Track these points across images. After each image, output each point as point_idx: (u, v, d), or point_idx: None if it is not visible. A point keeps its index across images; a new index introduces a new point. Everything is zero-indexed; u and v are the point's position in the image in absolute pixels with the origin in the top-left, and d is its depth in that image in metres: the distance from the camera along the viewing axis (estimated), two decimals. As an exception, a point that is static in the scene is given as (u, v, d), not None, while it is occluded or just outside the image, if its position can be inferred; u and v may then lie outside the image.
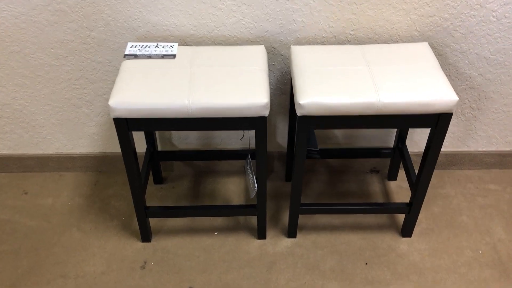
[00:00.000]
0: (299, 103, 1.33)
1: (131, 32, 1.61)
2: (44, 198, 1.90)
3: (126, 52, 1.49)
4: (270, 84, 1.73)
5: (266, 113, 1.35)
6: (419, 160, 1.97)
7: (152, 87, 1.36)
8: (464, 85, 1.75)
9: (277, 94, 1.77)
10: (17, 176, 1.99)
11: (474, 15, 1.57)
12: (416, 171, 1.94)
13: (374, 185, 1.95)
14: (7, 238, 1.75)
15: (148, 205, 1.82)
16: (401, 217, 1.81)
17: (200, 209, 1.68)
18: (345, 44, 1.64)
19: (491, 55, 1.67)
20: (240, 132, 1.88)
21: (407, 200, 1.88)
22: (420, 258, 1.67)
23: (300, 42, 1.64)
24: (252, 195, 1.56)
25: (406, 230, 1.73)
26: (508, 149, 1.96)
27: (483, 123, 1.87)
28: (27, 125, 1.86)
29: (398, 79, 1.38)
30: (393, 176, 1.96)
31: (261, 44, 1.62)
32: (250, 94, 1.34)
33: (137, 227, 1.77)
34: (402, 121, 1.38)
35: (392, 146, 1.93)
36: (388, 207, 1.69)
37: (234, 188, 1.94)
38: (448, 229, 1.77)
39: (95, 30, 1.60)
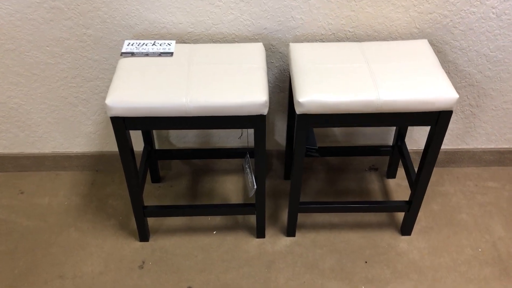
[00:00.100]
0: (298, 101, 1.32)
1: (128, 30, 1.59)
2: (41, 198, 1.88)
3: (123, 50, 1.47)
4: (269, 82, 1.72)
5: (265, 111, 1.33)
6: (418, 158, 1.97)
7: (150, 85, 1.34)
8: (463, 82, 1.74)
9: (276, 92, 1.76)
10: (13, 175, 1.98)
11: (473, 12, 1.56)
12: (416, 169, 1.94)
13: (373, 183, 1.94)
14: (3, 238, 1.73)
15: (145, 204, 1.81)
16: (400, 215, 1.80)
17: (198, 208, 1.66)
18: (344, 41, 1.63)
19: (491, 52, 1.66)
20: (238, 130, 1.87)
21: (406, 198, 1.87)
22: (420, 257, 1.67)
23: (298, 40, 1.62)
24: (251, 194, 1.55)
25: (406, 229, 1.72)
26: (507, 146, 1.95)
27: (482, 121, 1.86)
28: (23, 124, 1.84)
29: (397, 76, 1.37)
30: (392, 174, 1.95)
31: (259, 42, 1.61)
32: (249, 92, 1.33)
33: (135, 226, 1.76)
34: (402, 119, 1.37)
35: (391, 144, 1.92)
36: (387, 206, 1.69)
37: (232, 186, 1.93)
38: (447, 227, 1.77)
39: (92, 28, 1.58)
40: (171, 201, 1.88)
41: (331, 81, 1.36)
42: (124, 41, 1.61)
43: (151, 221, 1.77)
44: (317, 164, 2.01)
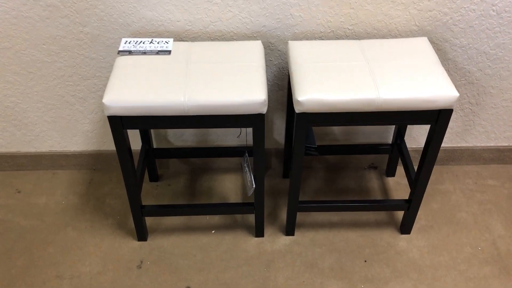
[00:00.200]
0: (298, 100, 1.30)
1: (125, 28, 1.57)
2: (38, 197, 1.87)
3: (120, 48, 1.46)
4: (267, 80, 1.71)
5: (264, 110, 1.32)
6: (417, 155, 1.96)
7: (147, 84, 1.33)
8: (463, 80, 1.73)
9: (274, 90, 1.75)
10: (10, 174, 1.96)
11: (474, 9, 1.55)
12: (415, 167, 1.93)
13: (372, 181, 1.94)
14: (0, 238, 1.72)
15: (143, 203, 1.79)
16: (400, 214, 1.79)
17: (196, 207, 1.65)
18: (343, 39, 1.62)
19: (491, 50, 1.65)
20: (237, 129, 1.86)
21: (406, 196, 1.87)
22: (420, 255, 1.66)
23: (297, 37, 1.61)
24: (250, 193, 1.54)
25: (405, 227, 1.71)
26: (506, 144, 1.95)
27: (481, 118, 1.85)
28: (20, 122, 1.83)
29: (397, 75, 1.36)
30: (391, 173, 1.94)
31: (258, 40, 1.59)
32: (248, 91, 1.31)
33: (133, 225, 1.75)
34: (402, 118, 1.36)
35: (390, 142, 1.91)
36: (387, 204, 1.68)
37: (231, 185, 1.91)
38: (447, 226, 1.76)
39: (88, 26, 1.57)
40: (169, 200, 1.86)
41: (330, 80, 1.35)
42: (121, 39, 1.59)
43: (149, 220, 1.76)
44: (316, 163, 2.00)
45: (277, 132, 1.88)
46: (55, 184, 1.92)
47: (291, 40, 1.59)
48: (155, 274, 1.60)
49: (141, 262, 1.64)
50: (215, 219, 1.79)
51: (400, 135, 1.79)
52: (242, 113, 1.32)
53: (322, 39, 1.61)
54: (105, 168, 1.98)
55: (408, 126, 1.86)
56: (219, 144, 1.91)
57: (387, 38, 1.58)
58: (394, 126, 1.85)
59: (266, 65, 1.67)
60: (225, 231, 1.74)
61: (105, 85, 1.72)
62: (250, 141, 1.87)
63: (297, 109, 1.33)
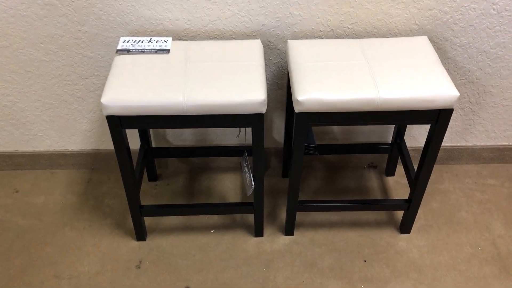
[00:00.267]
0: (297, 100, 1.30)
1: (124, 27, 1.56)
2: (36, 196, 1.86)
3: (119, 47, 1.45)
4: (267, 79, 1.70)
5: (263, 110, 1.31)
6: (417, 155, 1.95)
7: (146, 83, 1.32)
8: (463, 79, 1.73)
9: (274, 89, 1.74)
10: (8, 173, 1.95)
11: (474, 8, 1.54)
12: (415, 167, 1.92)
13: (372, 180, 1.93)
14: (-2, 238, 1.71)
15: (142, 202, 1.78)
16: (399, 214, 1.79)
17: (195, 207, 1.65)
18: (343, 38, 1.61)
19: (491, 49, 1.64)
20: (236, 128, 1.85)
21: (405, 196, 1.86)
22: (419, 255, 1.66)
23: (297, 36, 1.60)
24: (249, 193, 1.54)
25: (405, 227, 1.71)
26: (506, 143, 1.94)
27: (481, 118, 1.85)
28: (18, 122, 1.82)
29: (397, 74, 1.36)
30: (391, 172, 1.93)
31: (257, 38, 1.59)
32: (247, 90, 1.30)
33: (132, 225, 1.74)
34: (402, 117, 1.35)
35: (390, 142, 1.91)
36: (387, 204, 1.67)
37: (230, 185, 1.91)
38: (447, 225, 1.76)
39: (86, 25, 1.56)
40: (168, 199, 1.86)
41: (330, 79, 1.34)
42: (119, 38, 1.58)
43: (148, 220, 1.76)
44: (315, 162, 1.99)
45: (277, 131, 1.87)
46: (53, 184, 1.92)
47: (291, 39, 1.58)
48: (154, 274, 1.60)
49: (140, 262, 1.64)
50: (214, 218, 1.78)
51: (400, 134, 1.78)
52: (241, 112, 1.31)
53: (322, 38, 1.61)
54: (103, 168, 1.97)
55: (408, 125, 1.85)
56: (218, 143, 1.91)
57: (387, 37, 1.58)
58: (394, 125, 1.85)
59: (266, 64, 1.67)
60: (224, 231, 1.73)
61: (103, 84, 1.71)
62: (249, 140, 1.87)
63: (297, 108, 1.32)
